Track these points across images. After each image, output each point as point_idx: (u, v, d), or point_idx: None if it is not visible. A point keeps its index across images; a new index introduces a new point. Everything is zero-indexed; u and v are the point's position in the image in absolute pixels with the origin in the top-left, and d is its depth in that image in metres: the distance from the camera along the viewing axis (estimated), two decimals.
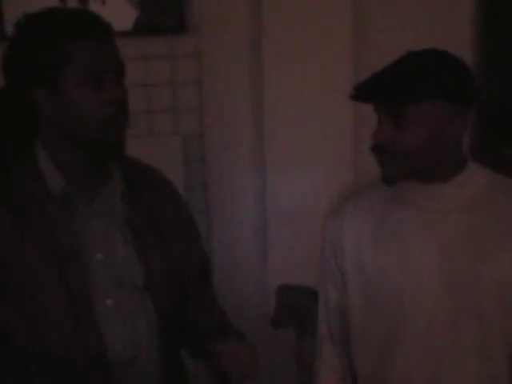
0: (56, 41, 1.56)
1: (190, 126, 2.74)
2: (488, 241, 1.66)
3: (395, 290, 1.71)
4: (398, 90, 1.58)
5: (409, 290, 1.69)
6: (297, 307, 2.55)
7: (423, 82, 1.58)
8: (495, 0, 2.77)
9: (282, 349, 2.66)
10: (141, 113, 2.73)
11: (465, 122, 1.62)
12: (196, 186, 2.76)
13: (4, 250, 1.61)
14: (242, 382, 1.68)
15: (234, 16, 2.66)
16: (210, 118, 2.73)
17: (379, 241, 1.74)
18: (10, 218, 1.62)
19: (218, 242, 2.82)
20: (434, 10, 2.65)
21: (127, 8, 2.63)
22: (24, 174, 1.66)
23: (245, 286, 2.83)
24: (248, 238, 2.81)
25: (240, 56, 2.68)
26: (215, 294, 1.97)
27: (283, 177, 2.66)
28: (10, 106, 1.69)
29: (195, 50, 2.67)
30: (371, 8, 2.64)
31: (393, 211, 1.74)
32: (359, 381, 1.86)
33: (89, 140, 1.61)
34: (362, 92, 1.63)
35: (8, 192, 1.65)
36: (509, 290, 1.66)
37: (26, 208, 1.63)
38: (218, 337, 1.74)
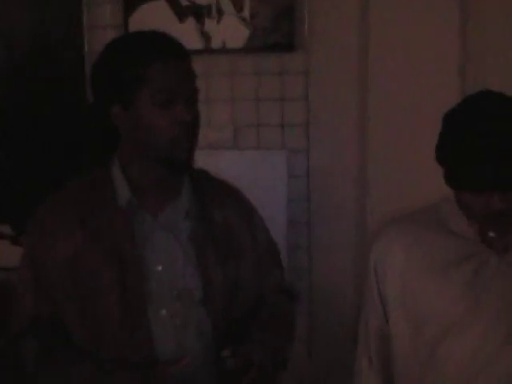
0: (132, 63, 1.66)
1: (296, 141, 2.80)
2: None
3: (440, 314, 1.69)
4: None
5: (454, 315, 1.68)
6: None
7: None
8: None
9: None
10: (250, 126, 2.83)
11: None
12: (299, 199, 2.81)
13: (72, 253, 1.71)
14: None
15: (342, 34, 2.70)
16: (316, 133, 2.78)
17: (424, 268, 1.73)
18: (80, 224, 1.72)
19: (318, 254, 2.86)
20: None
21: (240, 27, 2.73)
22: (97, 184, 1.76)
23: (341, 298, 2.86)
24: (348, 253, 2.83)
25: (348, 73, 2.71)
26: (290, 310, 1.98)
27: (386, 194, 2.68)
28: (95, 121, 1.81)
29: (304, 67, 2.74)
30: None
31: (443, 240, 1.73)
32: None
33: (156, 155, 1.70)
34: (488, 183, 1.58)
35: (81, 199, 1.75)
36: None
37: (96, 216, 1.72)
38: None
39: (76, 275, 1.71)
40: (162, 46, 1.69)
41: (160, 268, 1.73)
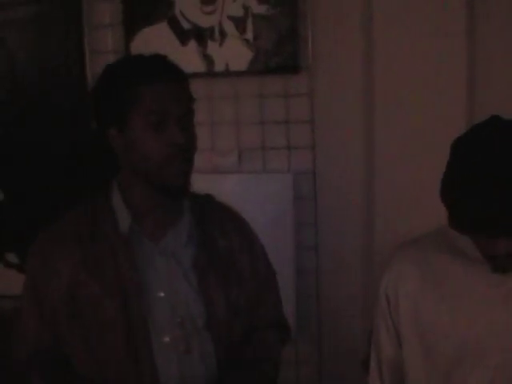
0: (125, 84, 1.66)
1: (301, 164, 2.77)
2: None
3: (454, 342, 1.66)
4: None
5: (468, 343, 1.64)
6: None
7: None
8: None
9: None
10: (255, 150, 2.80)
11: None
12: (306, 223, 2.78)
13: (73, 282, 1.70)
14: None
15: (347, 55, 2.68)
16: (322, 156, 2.76)
17: (437, 293, 1.69)
18: (82, 252, 1.71)
19: (326, 279, 2.83)
20: None
21: (243, 49, 2.70)
22: (98, 211, 1.75)
23: (348, 326, 2.82)
24: (355, 278, 2.80)
25: (353, 94, 2.69)
26: (279, 342, 1.96)
27: (393, 215, 2.65)
28: (96, 146, 1.80)
29: (308, 89, 2.71)
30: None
31: (455, 263, 1.69)
32: None
33: (150, 179, 1.69)
34: (496, 228, 1.50)
35: (82, 227, 1.74)
36: None
37: (97, 243, 1.71)
38: None
39: (79, 304, 1.70)
40: (154, 67, 1.69)
41: (162, 294, 1.72)
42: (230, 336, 1.78)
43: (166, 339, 1.71)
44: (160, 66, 1.70)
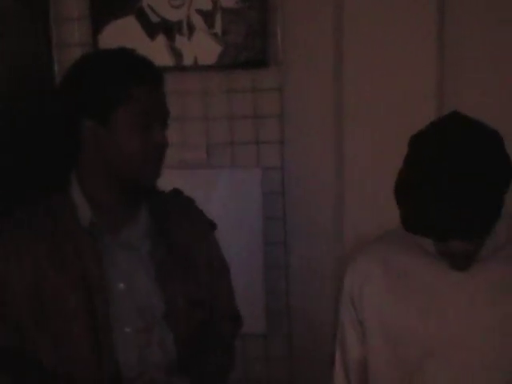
0: (120, 81, 1.67)
1: (270, 159, 2.76)
2: None
3: (418, 341, 1.65)
4: (490, 221, 1.47)
5: (433, 342, 1.64)
6: None
7: (500, 201, 1.48)
8: None
9: None
10: (224, 144, 2.78)
11: None
12: (275, 217, 2.77)
13: (36, 277, 1.70)
14: None
15: (317, 50, 2.67)
16: (291, 150, 2.75)
17: (401, 291, 1.69)
18: (44, 246, 1.71)
19: (295, 274, 2.82)
20: None
21: (212, 43, 2.68)
22: (58, 205, 1.75)
23: (320, 318, 2.82)
24: (326, 273, 2.79)
25: (322, 89, 2.68)
26: (232, 333, 2.01)
27: (361, 211, 2.66)
28: (56, 131, 1.79)
29: (278, 84, 2.70)
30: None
31: (419, 261, 1.69)
32: None
33: (124, 177, 1.71)
34: (449, 232, 1.48)
35: (43, 222, 1.74)
36: None
37: (58, 238, 1.72)
38: None
39: (41, 299, 1.70)
40: (146, 69, 1.72)
41: (122, 286, 1.74)
42: (188, 327, 1.80)
43: (127, 330, 1.73)
44: (148, 67, 1.73)
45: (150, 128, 1.69)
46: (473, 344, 1.62)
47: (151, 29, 2.72)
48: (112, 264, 1.74)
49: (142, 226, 1.78)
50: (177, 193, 1.96)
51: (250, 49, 2.66)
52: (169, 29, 2.71)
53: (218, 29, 2.67)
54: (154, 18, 2.72)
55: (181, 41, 2.71)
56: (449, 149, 1.46)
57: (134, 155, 1.68)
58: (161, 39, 2.72)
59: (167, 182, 1.95)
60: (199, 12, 2.68)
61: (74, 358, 1.70)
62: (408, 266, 1.71)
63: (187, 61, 2.73)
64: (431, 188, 1.44)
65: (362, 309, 1.76)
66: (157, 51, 2.68)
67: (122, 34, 2.74)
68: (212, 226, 1.99)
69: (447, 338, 1.64)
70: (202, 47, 2.70)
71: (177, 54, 2.73)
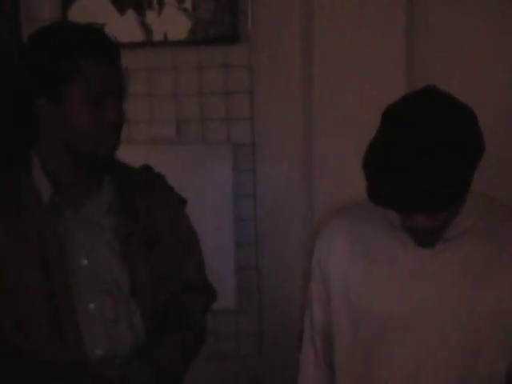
0: (67, 55, 1.63)
1: (241, 135, 2.76)
2: (486, 269, 1.61)
3: (381, 316, 1.66)
4: (456, 197, 1.46)
5: (395, 318, 1.65)
6: None
7: (467, 177, 1.48)
8: None
9: None
10: (194, 121, 2.77)
11: None
12: (245, 194, 2.78)
13: None
14: None
15: (286, 26, 2.67)
16: (262, 127, 2.75)
17: (367, 265, 1.69)
18: (3, 221, 1.69)
19: (266, 250, 2.84)
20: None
21: (182, 18, 2.67)
22: (19, 181, 1.73)
23: (289, 296, 2.84)
24: (296, 248, 2.81)
25: (292, 66, 2.69)
26: (203, 306, 1.99)
27: (331, 185, 2.64)
28: (15, 109, 1.77)
29: (248, 60, 2.69)
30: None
31: (384, 235, 1.69)
32: None
33: (80, 152, 1.68)
34: (414, 205, 1.46)
35: (3, 197, 1.72)
36: (508, 319, 1.61)
37: (18, 213, 1.69)
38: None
39: (2, 275, 1.67)
40: (95, 42, 1.66)
41: (85, 262, 1.72)
42: (156, 302, 1.80)
43: (91, 306, 1.71)
44: (100, 40, 1.68)
45: (102, 104, 1.65)
46: (433, 320, 1.63)
47: (121, 4, 2.70)
48: (75, 240, 1.72)
49: (106, 201, 1.77)
50: (146, 169, 1.94)
51: (220, 24, 2.65)
52: (139, 4, 2.69)
53: (188, 4, 2.66)
54: None
55: (151, 16, 2.69)
56: (420, 122, 1.45)
57: (87, 132, 1.64)
58: (130, 14, 2.70)
59: (136, 158, 1.95)
60: None
61: (33, 335, 1.68)
62: (373, 240, 1.71)
63: (157, 36, 2.71)
64: (400, 160, 1.43)
65: (328, 281, 1.77)
66: (126, 26, 2.67)
67: (92, 8, 2.71)
68: (182, 201, 1.98)
69: (408, 313, 1.64)
70: (172, 22, 2.69)
71: (147, 30, 2.71)
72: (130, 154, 1.89)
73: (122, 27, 2.65)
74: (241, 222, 2.78)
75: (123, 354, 1.73)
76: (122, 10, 2.71)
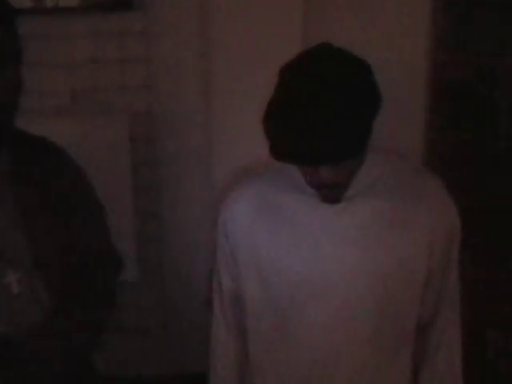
0: None
1: (138, 104, 2.72)
2: (389, 224, 1.63)
3: (290, 278, 1.67)
4: (356, 146, 1.48)
5: (305, 279, 1.65)
6: None
7: (365, 128, 1.50)
8: None
9: None
10: (89, 90, 2.70)
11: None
12: (144, 164, 2.74)
13: None
14: None
15: None
16: (159, 95, 2.71)
17: (273, 228, 1.69)
18: None
19: (168, 221, 2.82)
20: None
21: None
22: None
23: (192, 267, 2.84)
24: (198, 219, 2.80)
25: (189, 33, 2.65)
26: (112, 278, 1.95)
27: (231, 155, 2.65)
28: None
29: (143, 27, 2.64)
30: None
31: (288, 198, 1.69)
32: (251, 365, 1.83)
33: None
34: (311, 157, 1.47)
35: None
36: (413, 272, 1.65)
37: None
38: None
39: None
40: None
41: None
42: (62, 275, 1.75)
43: None
44: None
45: None
46: (342, 280, 1.64)
47: None
48: None
49: (4, 171, 1.69)
50: (45, 140, 1.87)
51: None
52: None
53: None
54: None
55: None
56: (315, 75, 1.48)
57: None
58: None
59: (31, 128, 1.88)
60: None
61: None
62: (280, 203, 1.71)
63: (48, 3, 2.62)
64: (298, 114, 1.45)
65: (235, 244, 1.77)
66: None
67: None
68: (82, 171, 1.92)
69: (318, 275, 1.65)
70: None
71: None
72: (21, 126, 1.82)
73: None
74: (141, 190, 2.74)
75: (29, 329, 1.68)
76: None
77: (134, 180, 2.71)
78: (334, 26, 2.54)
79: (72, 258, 1.78)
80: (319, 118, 1.44)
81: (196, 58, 2.67)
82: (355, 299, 1.64)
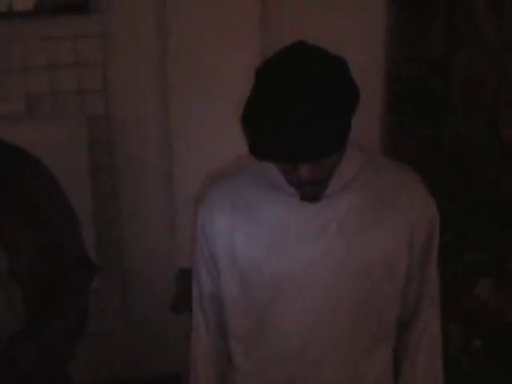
0: None
1: (95, 108, 2.69)
2: (367, 224, 1.64)
3: (270, 277, 1.67)
4: (335, 144, 1.48)
5: (284, 278, 1.66)
6: None
7: (344, 125, 1.50)
8: None
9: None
10: (45, 95, 2.67)
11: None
12: (102, 168, 2.72)
13: None
14: None
15: None
16: (116, 99, 2.70)
17: (252, 227, 1.69)
18: None
19: (128, 226, 2.80)
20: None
21: None
22: None
23: (153, 271, 2.81)
24: (158, 221, 2.79)
25: (146, 36, 2.65)
26: (84, 282, 1.94)
27: (191, 155, 2.64)
28: None
29: (100, 31, 2.63)
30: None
31: (265, 197, 1.69)
32: (233, 365, 1.82)
33: None
34: (297, 156, 1.47)
35: None
36: (392, 267, 1.66)
37: None
38: None
39: None
40: None
41: None
42: (37, 281, 1.73)
43: None
44: None
45: None
46: (323, 280, 1.64)
47: None
48: None
49: None
50: (19, 149, 1.86)
51: None
52: None
53: None
54: None
55: None
56: (292, 72, 1.48)
57: None
58: None
59: None
60: None
61: None
62: (258, 202, 1.70)
63: (1, 7, 2.61)
64: (277, 112, 1.45)
65: (214, 245, 1.75)
66: None
67: None
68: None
69: (295, 274, 1.65)
70: None
71: None
72: None
73: None
74: (98, 198, 2.72)
75: (4, 337, 1.65)
76: None
77: (92, 185, 2.68)
78: (292, 25, 2.57)
79: (46, 263, 1.76)
80: (297, 116, 1.44)
81: (154, 60, 2.66)
82: (336, 296, 1.65)
